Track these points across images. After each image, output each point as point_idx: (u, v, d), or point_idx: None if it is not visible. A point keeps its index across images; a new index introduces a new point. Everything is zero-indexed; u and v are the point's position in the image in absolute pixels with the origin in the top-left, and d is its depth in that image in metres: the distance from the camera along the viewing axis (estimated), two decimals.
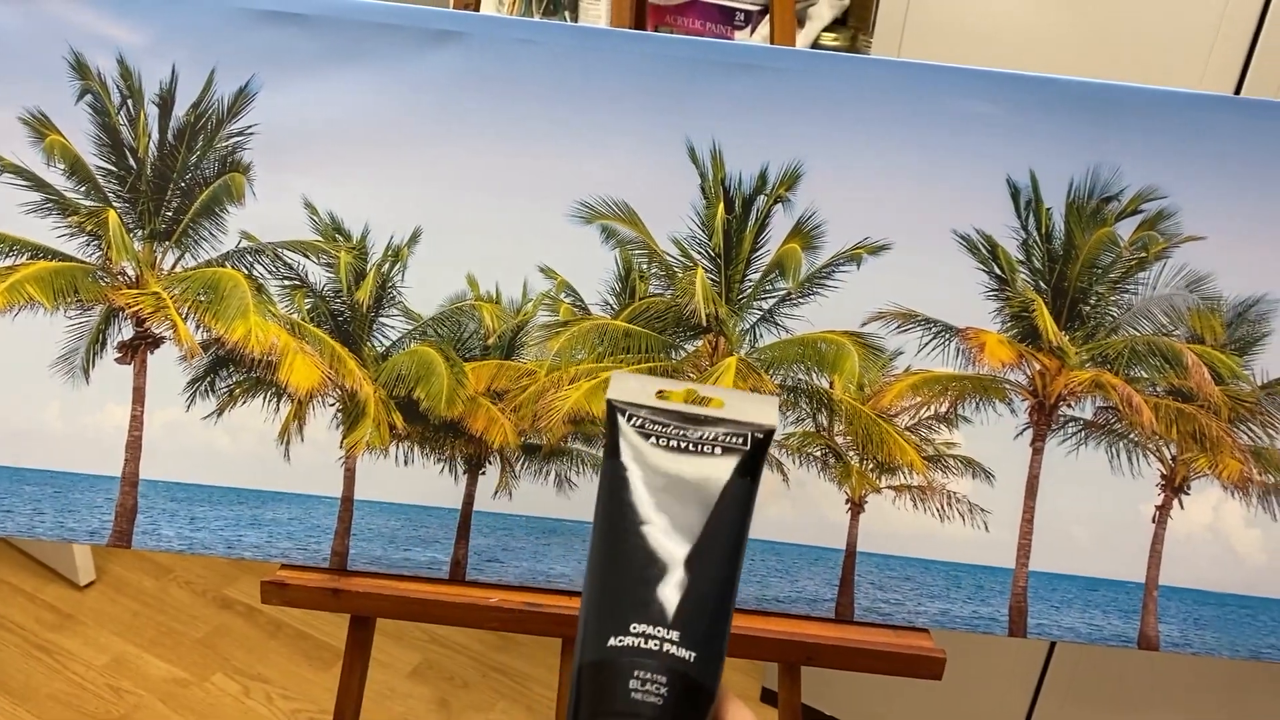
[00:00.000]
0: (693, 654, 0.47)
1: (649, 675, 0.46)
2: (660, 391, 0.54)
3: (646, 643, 0.46)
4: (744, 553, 0.51)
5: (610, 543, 0.50)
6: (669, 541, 0.49)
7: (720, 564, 0.49)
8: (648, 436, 0.52)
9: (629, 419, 0.53)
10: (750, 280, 0.75)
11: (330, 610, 0.76)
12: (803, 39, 1.52)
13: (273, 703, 1.80)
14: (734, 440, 0.52)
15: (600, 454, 0.75)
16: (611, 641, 0.47)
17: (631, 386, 0.54)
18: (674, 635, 0.47)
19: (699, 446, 0.52)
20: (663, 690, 0.45)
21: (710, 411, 0.53)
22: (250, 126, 0.73)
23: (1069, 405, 0.75)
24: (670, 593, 0.48)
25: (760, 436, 0.52)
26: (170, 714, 1.77)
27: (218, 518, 0.76)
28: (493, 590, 0.75)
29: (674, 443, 0.52)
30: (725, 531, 0.50)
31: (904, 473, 0.75)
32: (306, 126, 0.73)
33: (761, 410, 0.53)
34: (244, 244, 0.74)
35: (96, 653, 1.88)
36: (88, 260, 0.75)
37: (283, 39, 0.72)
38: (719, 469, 0.51)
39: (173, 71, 0.72)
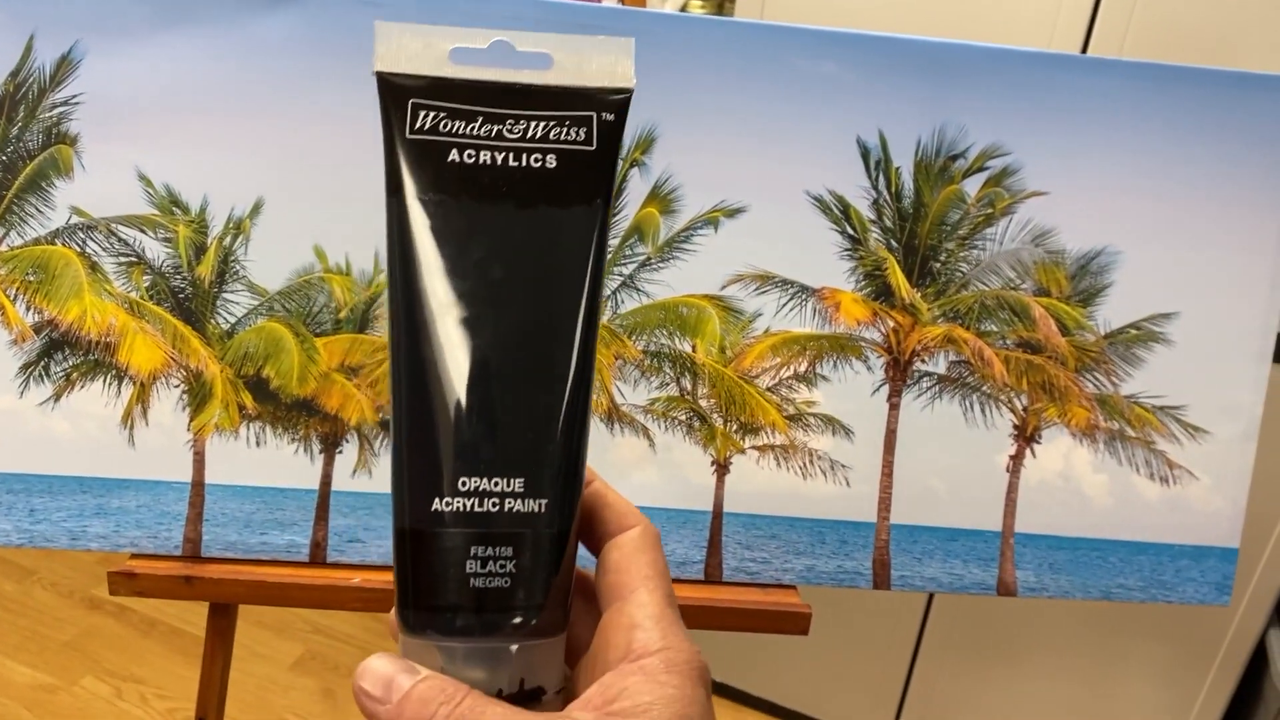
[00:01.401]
0: (543, 502, 0.35)
1: (490, 549, 0.34)
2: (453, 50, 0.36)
3: (482, 503, 0.34)
4: (598, 327, 0.37)
5: (412, 347, 0.34)
6: (491, 331, 0.34)
7: (569, 355, 0.35)
8: (449, 148, 0.35)
9: (414, 113, 0.35)
10: (610, 246, 0.74)
11: (185, 599, 0.73)
12: (671, 5, 1.52)
13: (148, 703, 1.74)
14: (572, 131, 0.35)
15: None
16: (434, 506, 0.34)
17: (410, 45, 0.35)
18: (517, 484, 0.35)
19: (521, 152, 0.35)
20: (509, 565, 0.34)
21: (529, 79, 0.35)
22: (76, 96, 0.69)
23: (923, 361, 0.76)
24: (506, 416, 0.34)
25: (610, 117, 0.35)
26: None
27: (59, 508, 0.72)
28: (355, 570, 0.74)
29: (487, 153, 0.35)
30: (572, 294, 0.35)
31: (767, 433, 0.76)
32: (137, 94, 0.69)
33: (606, 63, 0.36)
34: (75, 220, 0.70)
35: None
36: None
37: (106, 2, 0.68)
38: (558, 190, 0.35)
39: None
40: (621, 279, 0.74)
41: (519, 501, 0.35)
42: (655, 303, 0.75)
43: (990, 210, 0.75)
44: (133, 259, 0.71)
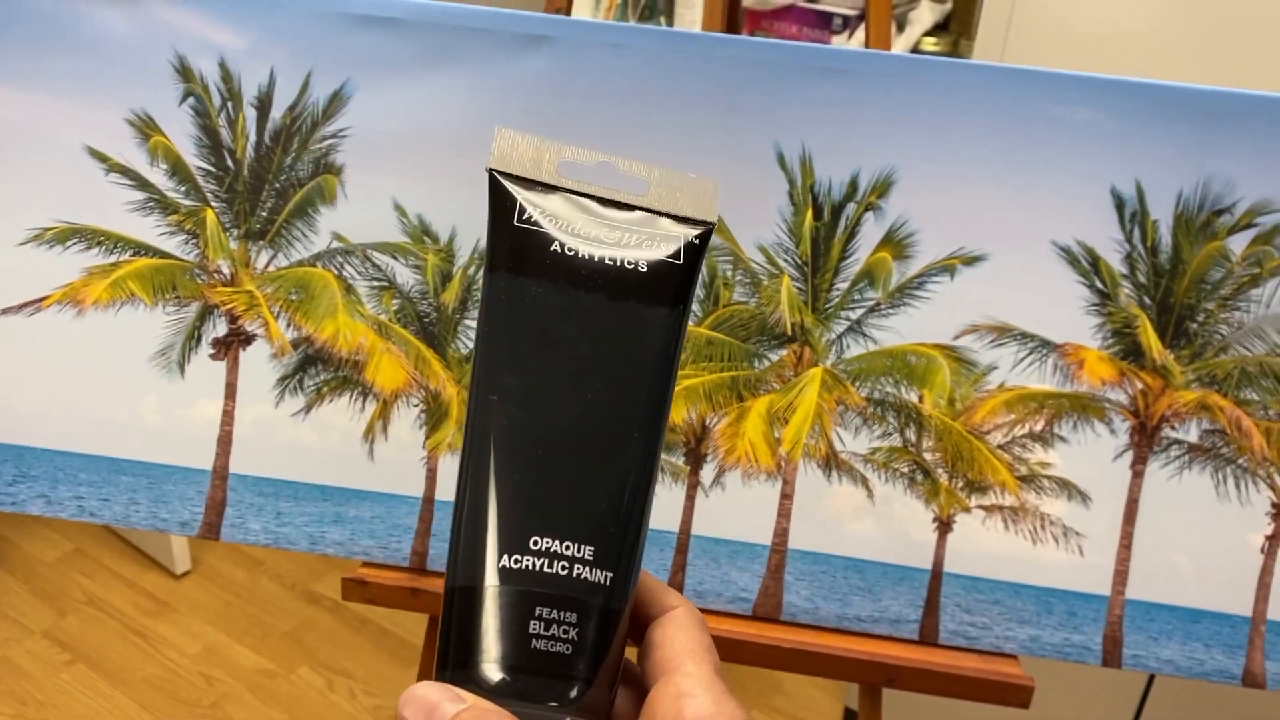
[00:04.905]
0: (608, 575, 0.35)
1: (555, 613, 0.34)
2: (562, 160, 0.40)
3: (551, 565, 0.34)
4: (668, 416, 0.38)
5: (500, 406, 0.36)
6: (576, 401, 0.36)
7: (644, 435, 0.36)
8: (551, 240, 0.37)
9: (522, 209, 0.38)
10: (838, 289, 0.73)
11: (409, 609, 0.76)
12: (903, 44, 1.49)
13: (355, 698, 1.83)
14: (662, 247, 0.38)
15: (680, 463, 0.74)
16: (503, 562, 0.34)
17: (525, 151, 0.40)
18: (587, 552, 0.35)
19: (617, 255, 0.38)
20: (572, 633, 0.34)
21: (628, 198, 0.39)
22: (344, 129, 0.74)
23: (1173, 427, 0.71)
24: (581, 484, 0.35)
25: (695, 241, 0.39)
26: (257, 704, 1.81)
27: (302, 513, 0.77)
28: None
29: (586, 249, 0.38)
30: (653, 380, 0.37)
31: (995, 492, 0.73)
32: (398, 129, 0.73)
33: (696, 196, 0.40)
34: (335, 244, 0.75)
35: (190, 640, 1.94)
36: (186, 258, 0.76)
37: (376, 43, 0.72)
38: (646, 291, 0.37)
39: (271, 75, 0.74)
40: (848, 324, 0.73)
41: (587, 570, 0.35)
42: (882, 349, 0.73)
43: (1257, 270, 0.70)
44: (384, 284, 0.75)
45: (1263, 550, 0.72)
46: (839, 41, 1.53)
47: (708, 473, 0.74)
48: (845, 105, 0.70)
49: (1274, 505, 0.71)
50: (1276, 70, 1.13)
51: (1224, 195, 0.69)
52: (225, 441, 0.77)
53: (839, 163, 0.71)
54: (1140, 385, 0.71)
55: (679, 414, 0.74)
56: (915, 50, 1.50)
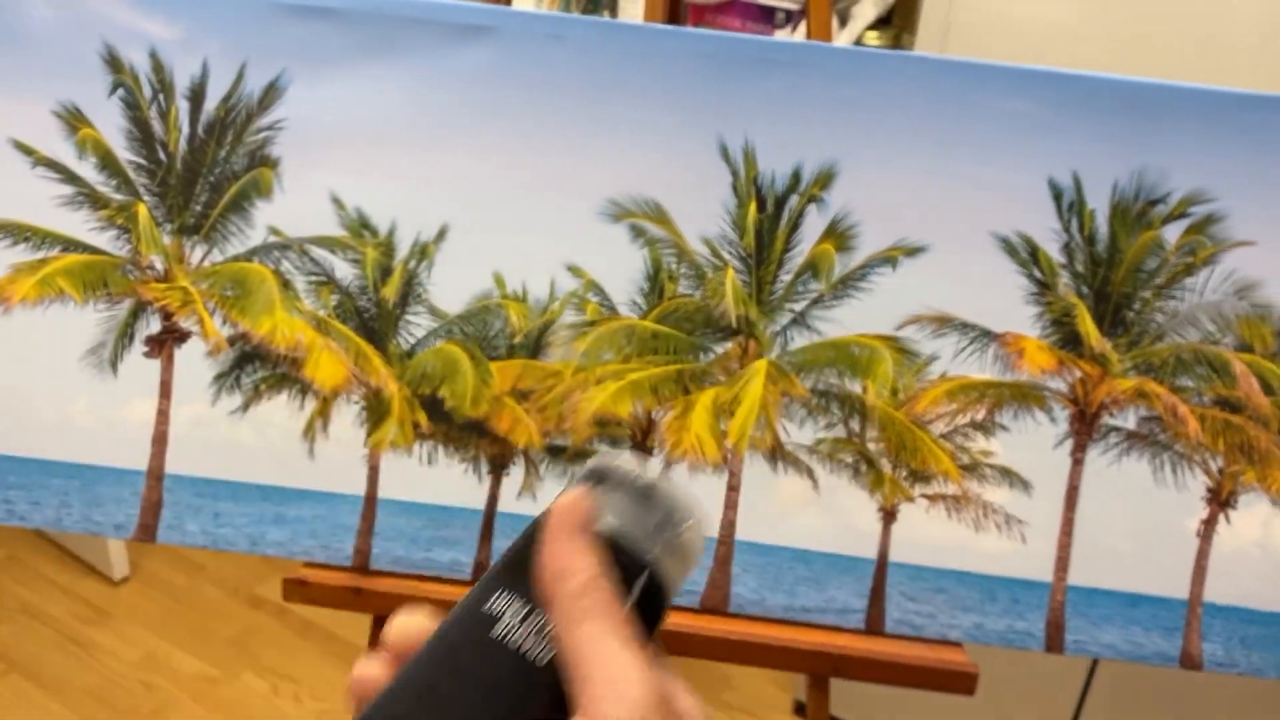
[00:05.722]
0: None
1: None
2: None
3: None
4: None
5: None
6: None
7: None
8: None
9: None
10: (782, 281, 0.73)
11: (352, 609, 0.75)
12: (845, 37, 1.50)
13: (301, 702, 1.81)
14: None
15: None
16: None
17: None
18: None
19: None
20: None
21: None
22: (279, 121, 0.73)
23: (1111, 414, 0.72)
24: None
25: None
26: (200, 711, 1.78)
27: (242, 514, 0.76)
28: None
29: None
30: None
31: (938, 481, 0.73)
32: (335, 121, 0.72)
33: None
34: (271, 239, 0.74)
35: (129, 648, 1.89)
36: (118, 254, 0.74)
37: (312, 33, 0.71)
38: None
39: (204, 66, 0.72)
40: (792, 315, 0.73)
41: None
42: (826, 341, 0.73)
43: (1191, 259, 0.71)
44: (322, 278, 0.74)
45: (1198, 534, 0.73)
46: (782, 35, 1.54)
47: (654, 466, 0.74)
48: (788, 98, 0.70)
49: (1209, 490, 0.73)
50: (1208, 63, 1.15)
51: (1158, 185, 0.70)
52: (160, 441, 0.75)
53: (782, 155, 0.71)
54: (1079, 373, 0.72)
55: (624, 408, 0.73)
56: (857, 44, 1.51)
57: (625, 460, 0.37)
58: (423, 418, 0.74)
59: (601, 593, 0.33)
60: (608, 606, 0.33)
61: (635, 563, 0.36)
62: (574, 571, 0.33)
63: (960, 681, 0.71)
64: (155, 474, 0.75)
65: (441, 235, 0.73)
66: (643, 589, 0.35)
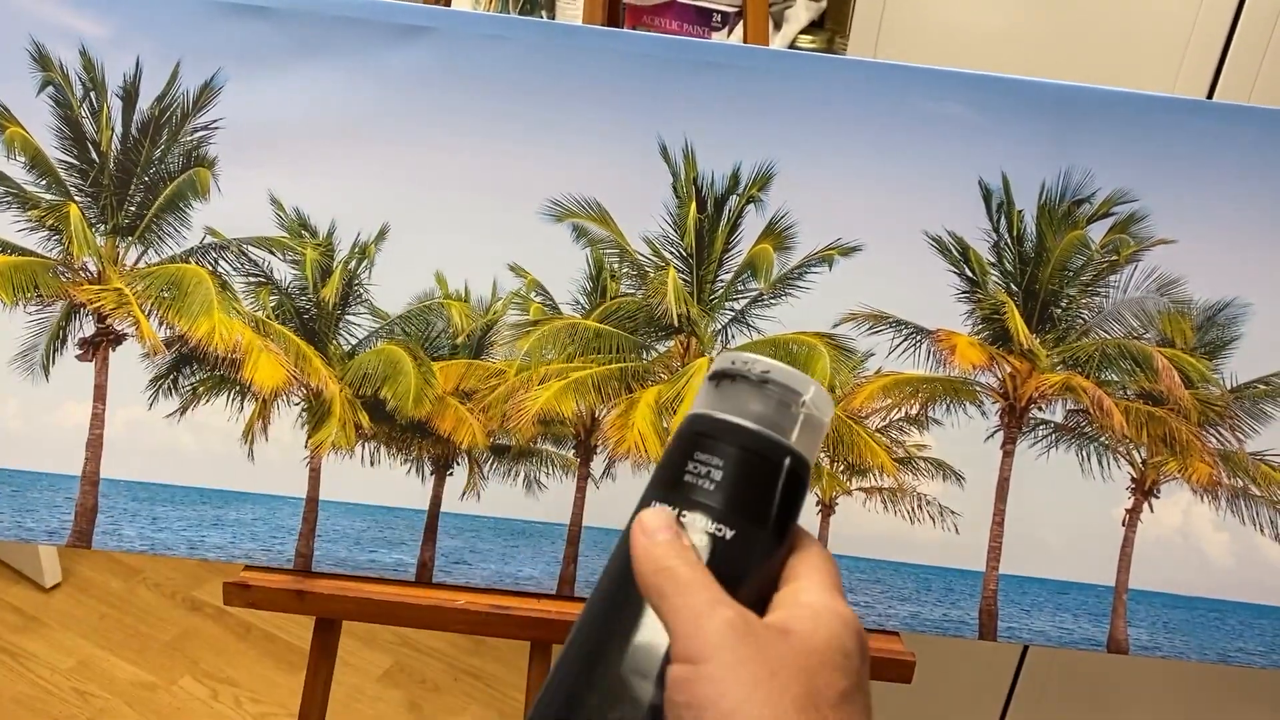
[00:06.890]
0: None
1: None
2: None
3: None
4: None
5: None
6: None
7: None
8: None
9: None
10: (722, 281, 0.74)
11: (294, 612, 0.75)
12: (780, 40, 1.52)
13: (241, 706, 1.78)
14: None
15: (571, 455, 0.74)
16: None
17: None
18: None
19: None
20: None
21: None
22: (216, 121, 0.72)
23: (1040, 408, 0.74)
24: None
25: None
26: (136, 718, 1.75)
27: (180, 518, 0.75)
28: (459, 592, 0.75)
29: None
30: None
31: (874, 475, 0.75)
32: (273, 121, 0.72)
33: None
34: (208, 240, 0.73)
35: (62, 656, 1.85)
36: (48, 255, 0.73)
37: (249, 32, 0.70)
38: None
39: (137, 64, 0.71)
40: (732, 314, 0.74)
41: None
42: (765, 339, 0.74)
43: (1115, 257, 0.73)
44: (261, 279, 0.73)
45: (1124, 523, 0.75)
46: (719, 38, 1.55)
47: (598, 464, 0.75)
48: (726, 99, 0.71)
49: (1133, 480, 0.75)
50: (1131, 66, 1.18)
51: (1084, 185, 0.72)
52: (95, 445, 0.74)
53: (721, 156, 0.72)
54: (1009, 368, 0.74)
55: (568, 406, 0.74)
56: (792, 47, 1.53)
57: (741, 358, 0.44)
58: (365, 419, 0.74)
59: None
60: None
61: (774, 445, 0.42)
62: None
63: (897, 670, 0.73)
64: (90, 479, 0.74)
65: (382, 235, 0.73)
66: (787, 469, 0.43)
